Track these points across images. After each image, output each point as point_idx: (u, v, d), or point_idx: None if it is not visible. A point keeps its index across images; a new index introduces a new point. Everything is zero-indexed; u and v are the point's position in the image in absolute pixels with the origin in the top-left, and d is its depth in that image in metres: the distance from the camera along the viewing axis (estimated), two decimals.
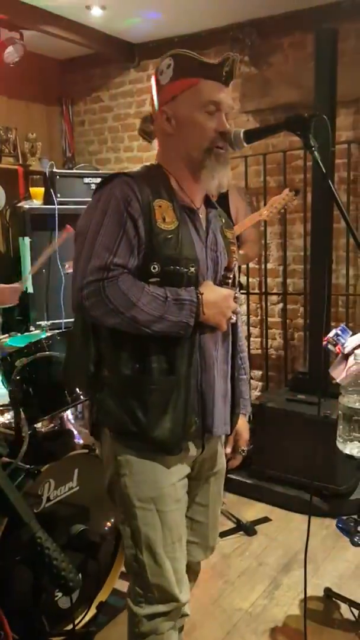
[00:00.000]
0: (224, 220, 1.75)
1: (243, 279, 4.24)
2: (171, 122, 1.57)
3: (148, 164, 1.65)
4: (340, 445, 1.97)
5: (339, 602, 2.48)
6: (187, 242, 1.54)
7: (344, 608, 2.44)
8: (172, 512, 1.60)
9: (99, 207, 1.51)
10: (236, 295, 1.61)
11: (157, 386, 1.51)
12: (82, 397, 2.30)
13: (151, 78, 1.63)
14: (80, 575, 1.39)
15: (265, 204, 3.83)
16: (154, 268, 1.49)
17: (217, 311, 1.52)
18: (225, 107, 1.58)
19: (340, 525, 2.33)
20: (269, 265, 4.26)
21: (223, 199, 3.40)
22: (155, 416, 1.51)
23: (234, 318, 1.62)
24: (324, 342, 2.14)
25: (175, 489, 1.61)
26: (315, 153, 1.50)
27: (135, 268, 1.47)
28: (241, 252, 3.37)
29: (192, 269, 1.53)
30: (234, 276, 1.70)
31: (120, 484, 1.59)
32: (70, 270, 1.59)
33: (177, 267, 1.50)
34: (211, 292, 1.53)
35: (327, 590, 2.52)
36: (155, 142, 1.68)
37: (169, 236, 1.50)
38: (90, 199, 1.61)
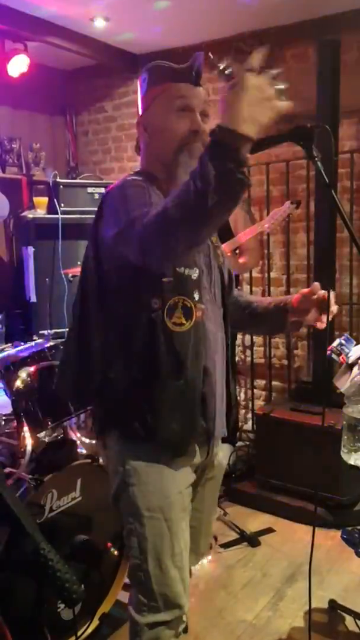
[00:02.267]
0: None
1: (246, 288, 4.24)
2: (147, 131, 1.60)
3: (137, 171, 1.65)
4: (344, 456, 1.96)
5: (343, 614, 2.45)
6: None
7: (349, 620, 2.42)
8: (179, 521, 1.60)
9: (117, 197, 1.47)
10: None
11: (166, 390, 1.53)
12: (82, 407, 2.30)
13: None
14: (83, 586, 1.39)
15: (268, 214, 3.85)
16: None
17: (254, 105, 1.18)
18: (197, 106, 1.57)
19: (344, 537, 2.32)
20: (273, 275, 4.25)
21: None
22: (163, 419, 1.54)
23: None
24: (328, 352, 2.13)
25: (182, 497, 1.61)
26: (318, 163, 1.51)
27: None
28: (240, 260, 3.38)
29: (196, 273, 1.57)
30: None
31: (129, 493, 1.59)
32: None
33: (185, 269, 1.54)
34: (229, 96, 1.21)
35: (332, 602, 2.50)
36: None
37: None
38: (96, 208, 1.60)
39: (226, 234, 3.33)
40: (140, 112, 1.66)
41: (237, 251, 3.42)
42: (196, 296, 1.56)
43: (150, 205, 1.38)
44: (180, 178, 1.56)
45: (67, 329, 1.71)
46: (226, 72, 1.25)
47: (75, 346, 1.65)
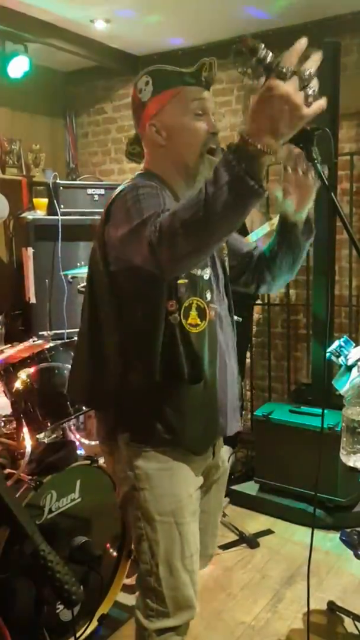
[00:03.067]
0: None
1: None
2: (162, 134, 1.58)
3: (141, 172, 1.64)
4: (343, 458, 1.96)
5: (342, 615, 2.45)
6: None
7: (348, 622, 2.42)
8: (189, 524, 1.60)
9: (129, 197, 1.43)
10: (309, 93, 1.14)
11: (188, 393, 1.53)
12: (84, 408, 2.30)
13: (130, 98, 1.66)
14: (82, 587, 1.39)
15: (267, 213, 3.85)
16: None
17: (274, 113, 1.13)
18: (210, 109, 1.59)
19: (343, 538, 2.32)
20: None
21: None
22: (189, 422, 1.54)
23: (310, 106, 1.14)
24: (327, 353, 2.13)
25: (192, 501, 1.62)
26: (318, 166, 1.51)
27: None
28: None
29: (207, 274, 1.58)
30: None
31: (139, 498, 1.58)
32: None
33: (198, 269, 1.54)
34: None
35: (331, 604, 2.50)
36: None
37: None
38: (95, 210, 1.61)
39: (242, 233, 3.33)
40: (139, 115, 1.63)
41: None
42: (208, 296, 1.57)
43: (164, 208, 1.36)
44: (199, 183, 1.55)
45: (77, 331, 1.70)
46: (264, 62, 1.17)
47: (87, 348, 1.64)
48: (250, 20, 3.84)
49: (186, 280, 1.52)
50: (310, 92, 1.12)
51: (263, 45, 1.18)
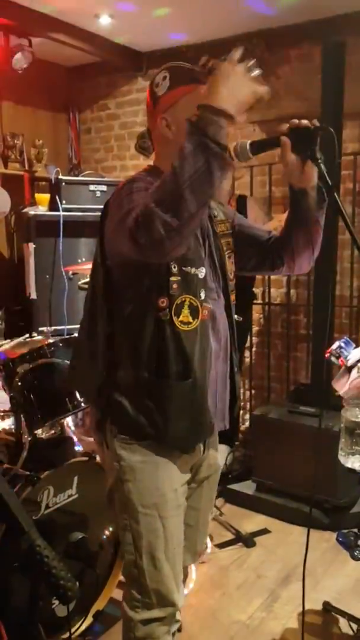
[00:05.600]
0: (215, 214, 1.72)
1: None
2: (171, 128, 1.59)
3: (146, 169, 1.66)
4: (342, 459, 1.96)
5: (337, 616, 2.46)
6: (194, 245, 1.57)
7: (343, 622, 2.42)
8: (173, 518, 1.61)
9: (124, 191, 1.47)
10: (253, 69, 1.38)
11: (174, 390, 1.54)
12: (83, 404, 2.30)
13: (146, 91, 1.67)
14: (78, 583, 1.39)
15: (269, 214, 3.84)
16: (174, 267, 1.51)
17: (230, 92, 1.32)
18: None
19: (340, 539, 2.32)
20: (273, 276, 4.25)
21: (242, 208, 3.43)
22: (173, 419, 1.55)
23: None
24: (327, 354, 2.13)
25: (176, 495, 1.62)
26: (321, 165, 1.50)
27: (158, 265, 1.48)
28: None
29: (203, 272, 1.57)
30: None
31: (124, 489, 1.60)
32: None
33: (191, 268, 1.54)
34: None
35: (326, 604, 2.50)
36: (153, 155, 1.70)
37: None
38: (97, 206, 1.62)
39: None
40: (152, 108, 1.63)
41: None
42: (202, 295, 1.57)
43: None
44: None
45: (80, 323, 1.72)
46: (209, 66, 1.45)
47: (84, 340, 1.66)
48: (255, 18, 3.82)
49: (179, 278, 1.52)
50: (254, 73, 1.36)
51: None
